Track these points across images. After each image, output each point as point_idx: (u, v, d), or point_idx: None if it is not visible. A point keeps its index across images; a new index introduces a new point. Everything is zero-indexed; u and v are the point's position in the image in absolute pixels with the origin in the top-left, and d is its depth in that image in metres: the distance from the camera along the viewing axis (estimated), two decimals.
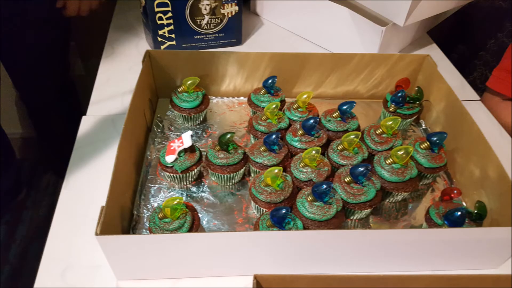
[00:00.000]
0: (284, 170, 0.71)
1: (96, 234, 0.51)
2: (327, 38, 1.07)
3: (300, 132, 0.74)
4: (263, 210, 0.66)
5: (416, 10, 0.89)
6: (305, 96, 0.79)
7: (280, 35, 1.13)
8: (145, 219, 0.68)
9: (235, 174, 0.72)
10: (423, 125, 0.89)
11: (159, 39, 0.98)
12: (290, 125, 0.79)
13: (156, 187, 0.73)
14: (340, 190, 0.66)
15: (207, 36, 1.02)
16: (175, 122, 0.85)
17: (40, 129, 1.50)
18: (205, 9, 0.97)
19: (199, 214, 0.65)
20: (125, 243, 0.53)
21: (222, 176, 0.71)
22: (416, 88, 0.85)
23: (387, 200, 0.73)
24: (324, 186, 0.61)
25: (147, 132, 0.81)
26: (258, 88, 0.86)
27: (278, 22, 1.16)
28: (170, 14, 0.95)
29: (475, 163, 0.71)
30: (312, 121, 0.73)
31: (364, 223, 0.70)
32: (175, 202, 0.59)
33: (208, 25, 1.00)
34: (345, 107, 0.77)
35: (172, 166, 0.69)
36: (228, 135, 0.69)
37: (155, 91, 0.88)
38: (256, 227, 0.63)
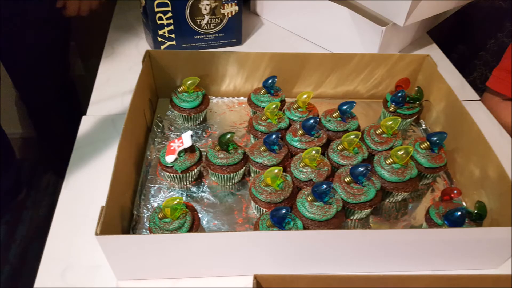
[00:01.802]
0: (284, 170, 0.71)
1: (96, 234, 0.51)
2: (327, 38, 1.07)
3: (300, 132, 0.74)
4: (263, 210, 0.66)
5: (416, 10, 0.89)
6: (305, 96, 0.79)
7: (280, 35, 1.14)
8: (145, 219, 0.68)
9: (235, 174, 0.72)
10: (423, 125, 0.89)
11: (159, 39, 0.98)
12: (290, 125, 0.79)
13: (156, 187, 0.73)
14: (340, 190, 0.66)
15: (207, 36, 1.02)
16: (175, 122, 0.85)
17: (40, 129, 1.50)
18: (205, 9, 0.97)
19: (199, 214, 0.65)
20: (125, 243, 0.53)
21: (222, 176, 0.71)
22: (416, 88, 0.85)
23: (387, 200, 0.73)
24: (324, 186, 0.61)
25: (147, 132, 0.81)
26: (258, 88, 0.86)
27: (278, 22, 1.16)
28: (170, 14, 0.95)
29: (475, 163, 0.71)
30: (312, 121, 0.73)
31: (364, 223, 0.70)
32: (175, 202, 0.59)
33: (208, 25, 1.00)
34: (345, 107, 0.77)
35: (172, 166, 0.69)
36: (228, 135, 0.69)
37: (155, 91, 0.88)
38: (256, 227, 0.63)
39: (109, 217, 0.54)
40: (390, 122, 0.75)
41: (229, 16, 1.01)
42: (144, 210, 0.69)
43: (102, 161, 0.76)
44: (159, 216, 0.60)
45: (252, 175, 0.75)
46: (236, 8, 1.00)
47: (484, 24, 1.14)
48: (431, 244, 0.59)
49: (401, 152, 0.68)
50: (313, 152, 0.67)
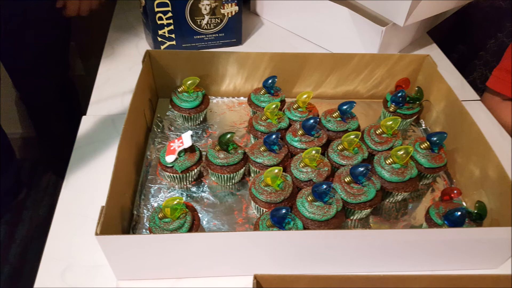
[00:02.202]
0: (284, 170, 0.71)
1: (96, 234, 0.51)
2: (327, 38, 1.07)
3: (300, 132, 0.74)
4: (263, 210, 0.66)
5: (416, 10, 0.89)
6: (305, 96, 0.79)
7: (280, 35, 1.14)
8: (145, 219, 0.68)
9: (235, 174, 0.72)
10: (423, 125, 0.89)
11: (159, 39, 0.98)
12: (290, 125, 0.79)
13: (156, 187, 0.73)
14: (340, 190, 0.66)
15: (207, 36, 1.02)
16: (175, 122, 0.85)
17: (40, 129, 1.51)
18: (205, 9, 0.97)
19: (199, 214, 0.65)
20: (125, 243, 0.53)
21: (222, 176, 0.71)
22: (416, 88, 0.85)
23: (387, 200, 0.73)
24: (324, 186, 0.61)
25: (147, 132, 0.81)
26: (258, 88, 0.86)
27: (278, 22, 1.16)
28: (170, 14, 0.95)
29: (475, 163, 0.71)
30: (312, 121, 0.73)
31: (364, 223, 0.70)
32: (175, 202, 0.59)
33: (208, 25, 1.00)
34: (345, 107, 0.77)
35: (172, 166, 0.69)
36: (228, 135, 0.69)
37: (155, 91, 0.88)
38: (256, 227, 0.63)
39: (109, 217, 0.54)
40: (390, 122, 0.75)
41: (229, 16, 1.01)
42: (144, 210, 0.69)
43: (102, 161, 0.76)
44: (159, 216, 0.60)
45: (252, 175, 0.75)
46: (236, 8, 1.00)
47: (484, 24, 1.14)
48: (431, 244, 0.59)
49: (401, 152, 0.68)
50: (313, 152, 0.67)
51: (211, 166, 0.71)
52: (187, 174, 0.71)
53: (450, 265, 0.63)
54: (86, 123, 0.83)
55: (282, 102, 0.84)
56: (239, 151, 0.72)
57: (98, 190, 0.62)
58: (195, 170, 0.71)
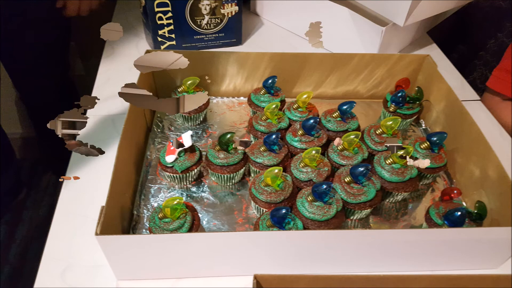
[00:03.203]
0: (284, 170, 0.71)
1: (96, 234, 0.51)
2: (327, 38, 1.06)
3: (300, 132, 0.74)
4: (263, 210, 0.66)
5: (416, 10, 0.89)
6: (305, 96, 0.79)
7: (280, 35, 1.14)
8: (145, 219, 0.68)
9: (235, 174, 0.72)
10: (423, 125, 0.89)
11: (159, 39, 0.98)
12: (290, 125, 0.79)
13: (156, 187, 0.73)
14: (340, 190, 0.66)
15: (207, 36, 1.02)
16: (175, 122, 0.85)
17: (40, 129, 1.50)
18: (205, 9, 0.97)
19: (199, 214, 0.65)
20: (125, 243, 0.53)
21: (222, 176, 0.71)
22: (416, 88, 0.85)
23: (387, 200, 0.73)
24: (324, 186, 0.61)
25: (147, 132, 0.81)
26: (258, 88, 0.86)
27: (278, 22, 1.16)
28: (170, 14, 0.95)
29: (475, 163, 0.71)
30: (312, 121, 0.73)
31: (364, 223, 0.70)
32: (175, 202, 0.59)
33: (208, 25, 1.00)
34: (345, 107, 0.77)
35: (172, 166, 0.69)
36: (228, 135, 0.69)
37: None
38: (256, 227, 0.63)
39: (109, 217, 0.54)
40: (390, 122, 0.75)
41: (229, 16, 1.01)
42: (144, 210, 0.69)
43: (102, 161, 0.76)
44: (159, 216, 0.60)
45: (252, 175, 0.75)
46: (236, 8, 1.00)
47: (484, 24, 1.14)
48: (431, 244, 0.59)
49: (401, 152, 0.68)
50: (313, 152, 0.67)
51: (211, 166, 0.71)
52: (187, 174, 0.71)
53: (450, 265, 0.63)
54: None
55: (282, 102, 0.84)
56: (239, 151, 0.72)
57: (98, 190, 0.62)
58: (195, 170, 0.71)
